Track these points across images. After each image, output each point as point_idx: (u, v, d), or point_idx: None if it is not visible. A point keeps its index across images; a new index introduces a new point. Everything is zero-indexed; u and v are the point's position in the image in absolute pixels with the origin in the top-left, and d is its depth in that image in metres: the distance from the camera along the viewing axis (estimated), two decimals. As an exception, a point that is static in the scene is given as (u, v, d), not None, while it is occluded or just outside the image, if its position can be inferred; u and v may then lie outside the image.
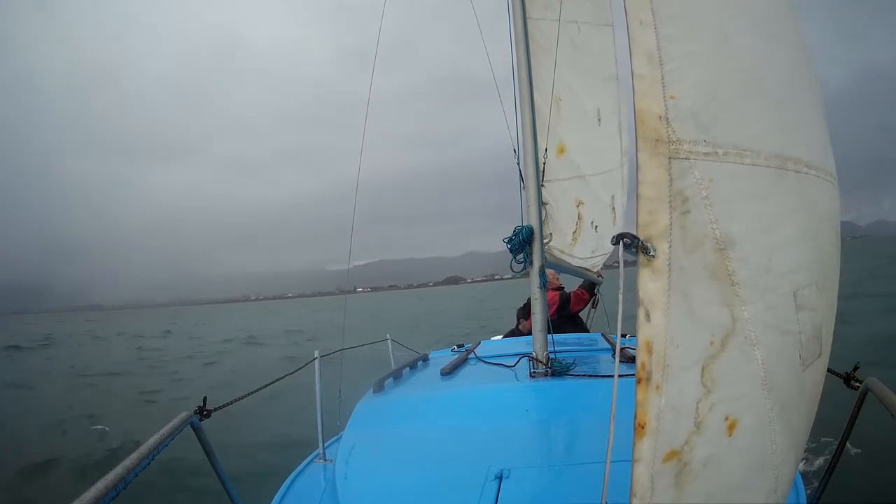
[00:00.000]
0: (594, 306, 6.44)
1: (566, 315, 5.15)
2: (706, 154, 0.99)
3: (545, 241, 3.12)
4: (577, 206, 3.56)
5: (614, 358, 3.06)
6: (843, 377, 1.94)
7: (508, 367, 3.07)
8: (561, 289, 5.40)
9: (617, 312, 1.06)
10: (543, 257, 2.92)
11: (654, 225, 0.95)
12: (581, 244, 3.61)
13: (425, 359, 3.81)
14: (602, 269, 4.63)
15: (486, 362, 3.34)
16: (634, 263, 0.98)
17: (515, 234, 2.87)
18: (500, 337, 5.59)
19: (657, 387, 0.92)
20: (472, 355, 3.59)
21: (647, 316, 0.93)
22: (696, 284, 0.98)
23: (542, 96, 3.21)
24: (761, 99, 1.11)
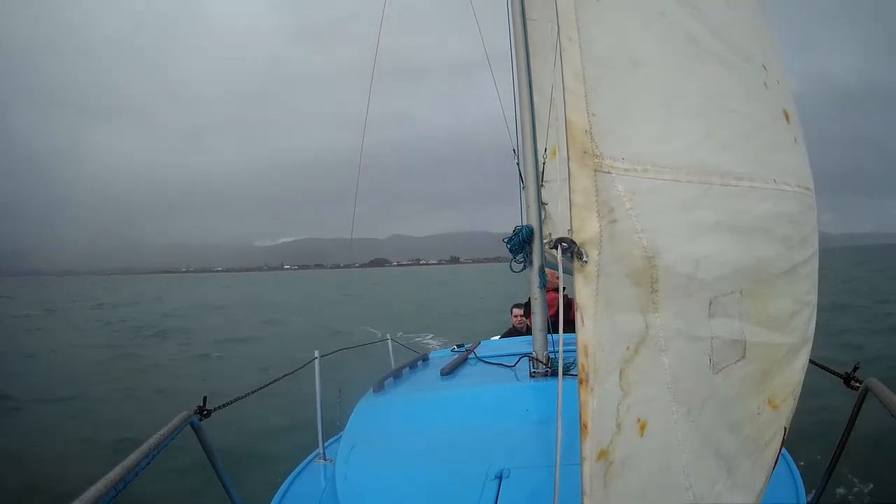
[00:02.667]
0: None
1: (567, 319, 5.13)
2: (626, 170, 1.04)
3: (545, 241, 3.12)
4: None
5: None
6: (843, 377, 1.94)
7: (508, 367, 3.07)
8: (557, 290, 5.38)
9: (559, 315, 1.12)
10: (543, 257, 2.92)
11: (584, 231, 1.00)
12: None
13: (425, 359, 3.81)
14: None
15: (485, 362, 3.34)
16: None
17: (515, 233, 2.87)
18: (498, 337, 5.59)
19: (592, 389, 0.97)
20: (472, 355, 3.59)
21: (582, 319, 0.98)
22: (618, 291, 1.02)
23: (541, 96, 3.21)
24: (680, 117, 1.15)
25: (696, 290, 1.11)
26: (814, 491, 2.08)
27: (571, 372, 2.72)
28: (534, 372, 2.76)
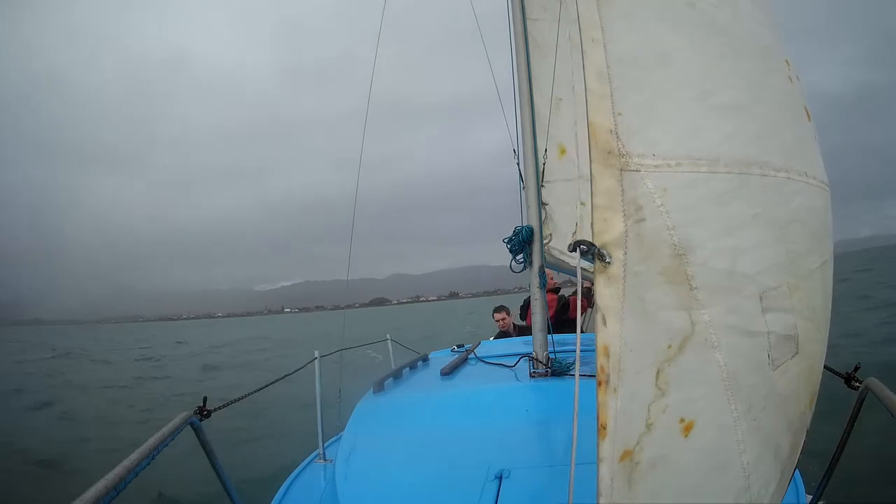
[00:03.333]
0: (592, 306, 6.41)
1: (564, 319, 5.14)
2: (657, 166, 1.02)
3: (545, 241, 3.12)
4: (578, 207, 3.56)
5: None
6: (844, 377, 1.94)
7: (508, 367, 3.07)
8: (558, 290, 5.38)
9: (577, 312, 1.11)
10: (543, 257, 2.92)
11: (608, 233, 0.99)
12: (581, 245, 3.60)
13: (425, 359, 3.81)
14: None
15: (486, 362, 3.34)
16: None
17: (515, 234, 2.87)
18: (492, 339, 5.60)
19: (614, 389, 0.95)
20: (472, 355, 3.59)
21: (604, 321, 0.97)
22: (651, 290, 1.00)
23: (541, 97, 3.21)
24: (713, 110, 1.14)
25: (741, 284, 1.09)
26: (814, 491, 2.08)
27: (570, 372, 2.73)
28: (534, 372, 2.76)
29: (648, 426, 0.98)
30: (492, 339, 5.59)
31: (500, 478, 1.74)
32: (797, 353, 1.20)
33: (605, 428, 0.95)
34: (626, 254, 0.98)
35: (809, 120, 1.38)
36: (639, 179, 1.00)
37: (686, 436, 1.01)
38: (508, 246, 2.89)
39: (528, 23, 3.06)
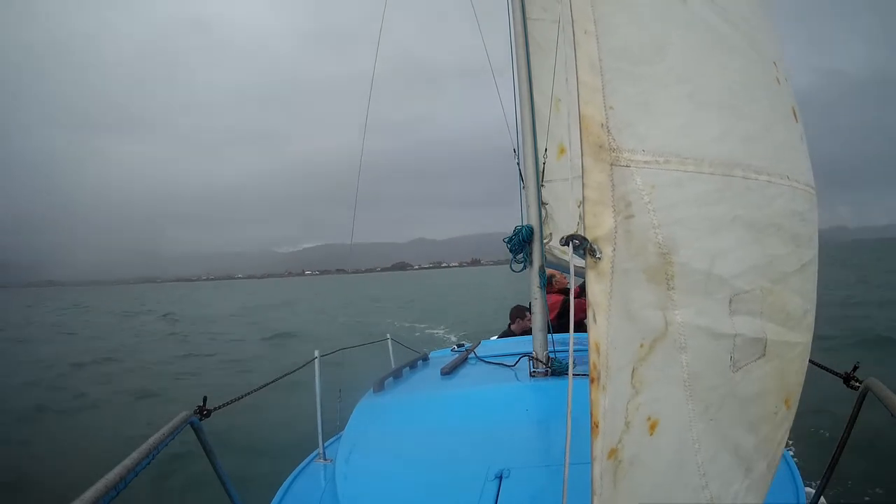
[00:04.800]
0: None
1: (567, 321, 5.09)
2: (646, 162, 1.02)
3: (545, 241, 3.12)
4: (579, 207, 3.57)
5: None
6: (843, 377, 1.94)
7: (508, 366, 3.07)
8: (566, 291, 5.36)
9: (569, 312, 1.10)
10: (543, 257, 2.92)
11: (598, 228, 0.99)
12: (581, 245, 3.61)
13: (425, 358, 3.81)
14: None
15: (486, 362, 3.34)
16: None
17: (515, 233, 2.87)
18: (495, 338, 5.58)
19: (603, 387, 0.96)
20: (472, 355, 3.59)
21: (594, 317, 0.97)
22: (635, 288, 1.00)
23: (541, 96, 3.21)
24: (703, 108, 1.14)
25: (715, 286, 1.09)
26: (814, 491, 2.09)
27: (575, 371, 2.72)
28: (534, 372, 2.76)
29: (627, 424, 0.99)
30: (492, 338, 5.59)
31: (500, 478, 1.74)
32: (763, 355, 1.21)
33: (597, 426, 0.96)
34: (614, 250, 0.98)
35: (797, 122, 1.38)
36: (628, 175, 1.00)
37: (652, 434, 1.02)
38: (508, 246, 2.88)
39: (529, 23, 3.06)
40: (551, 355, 2.82)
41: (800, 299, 1.31)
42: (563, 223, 3.45)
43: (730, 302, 1.12)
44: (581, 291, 5.44)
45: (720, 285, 1.10)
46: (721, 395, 1.12)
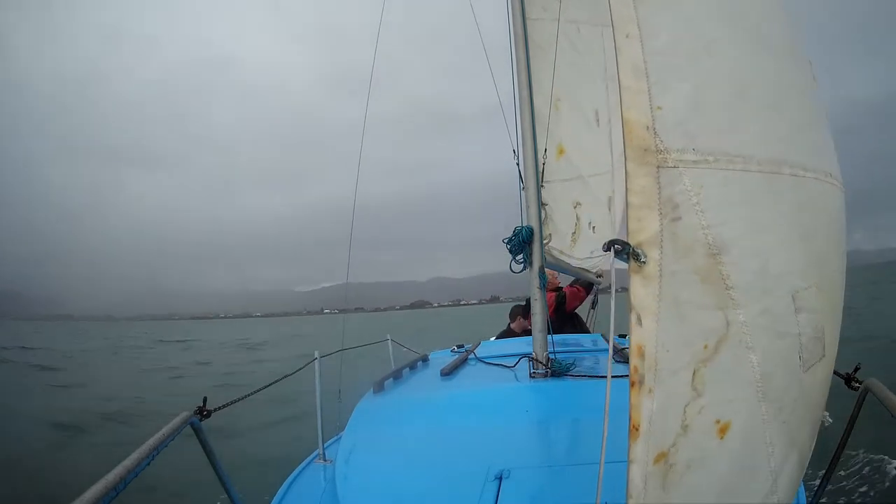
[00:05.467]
0: (594, 307, 6.40)
1: (563, 314, 5.12)
2: (695, 162, 1.00)
3: (545, 241, 3.12)
4: (575, 208, 3.57)
5: (614, 358, 3.06)
6: (844, 378, 1.94)
7: (508, 367, 3.07)
8: (558, 289, 5.38)
9: (610, 316, 1.06)
10: (543, 258, 2.92)
11: (643, 232, 0.97)
12: (580, 245, 3.61)
13: (425, 359, 3.81)
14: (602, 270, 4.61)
15: (485, 363, 3.34)
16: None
17: (515, 234, 2.87)
18: (494, 338, 5.58)
19: (649, 390, 0.94)
20: (471, 356, 3.59)
21: (639, 321, 0.95)
22: (687, 289, 0.99)
23: (541, 97, 3.21)
24: (750, 105, 1.12)
25: (773, 284, 1.08)
26: (814, 491, 2.09)
27: (570, 373, 2.73)
28: (534, 372, 2.76)
29: (684, 427, 0.96)
30: (492, 339, 5.59)
31: (500, 478, 1.74)
32: (824, 355, 1.19)
33: (637, 429, 0.93)
34: (661, 253, 0.97)
35: (827, 124, 1.38)
36: (676, 176, 0.98)
37: (722, 437, 0.99)
38: (508, 246, 2.88)
39: (528, 23, 3.06)
40: (551, 356, 2.82)
41: (840, 299, 1.31)
42: (562, 224, 3.45)
43: (792, 299, 1.10)
44: (581, 288, 5.36)
45: (778, 283, 1.09)
46: (793, 397, 1.10)
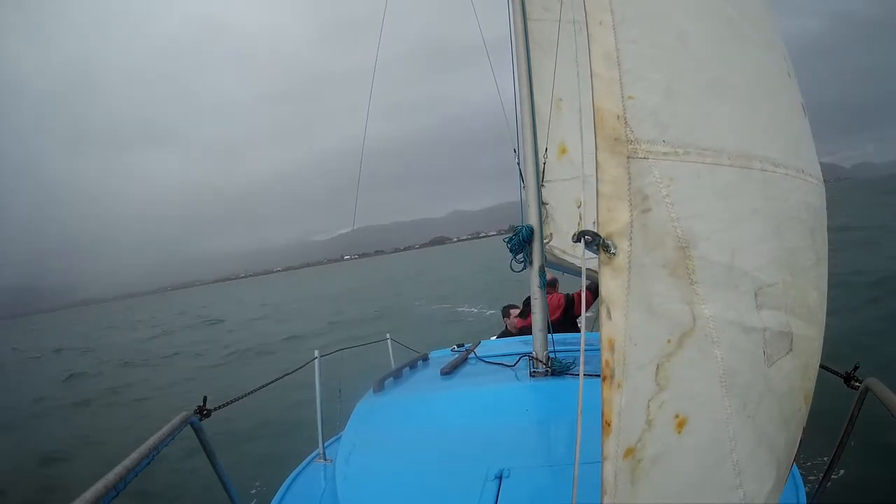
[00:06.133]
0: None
1: (570, 317, 5.11)
2: (665, 154, 0.99)
3: (545, 240, 3.12)
4: (578, 207, 3.57)
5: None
6: (844, 377, 1.94)
7: (508, 366, 3.07)
8: (552, 284, 5.36)
9: (582, 310, 1.07)
10: (544, 257, 2.92)
11: (613, 222, 0.96)
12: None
13: (425, 358, 3.81)
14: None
15: (486, 362, 3.34)
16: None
17: (515, 233, 2.87)
18: (495, 338, 5.58)
19: (619, 385, 0.93)
20: (472, 355, 3.59)
21: (609, 314, 0.94)
22: (655, 282, 0.98)
23: (542, 96, 3.21)
24: (724, 99, 1.12)
25: (739, 279, 1.07)
26: (814, 491, 2.09)
27: (571, 372, 2.73)
28: (534, 372, 2.76)
29: (649, 422, 0.96)
30: (492, 338, 5.58)
31: (500, 478, 1.74)
32: (791, 350, 1.19)
33: (609, 425, 0.93)
34: (631, 245, 0.96)
35: (805, 116, 1.37)
36: (646, 168, 0.97)
37: (679, 432, 0.99)
38: (508, 245, 2.88)
39: (529, 23, 3.05)
40: (551, 355, 2.82)
41: (816, 294, 1.30)
42: (563, 223, 3.44)
43: (755, 295, 1.10)
44: (590, 293, 5.34)
45: (744, 278, 1.08)
46: (759, 392, 1.10)
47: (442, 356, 3.92)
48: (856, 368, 1.93)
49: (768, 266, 1.13)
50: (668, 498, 0.99)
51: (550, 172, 3.20)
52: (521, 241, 2.85)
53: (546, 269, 2.94)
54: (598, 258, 0.97)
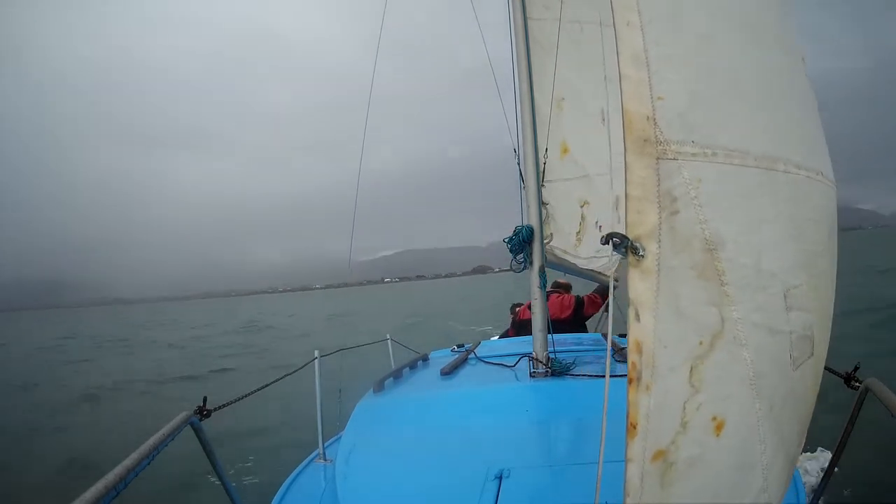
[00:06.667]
0: (605, 309, 6.43)
1: (580, 318, 5.11)
2: (694, 154, 0.99)
3: (545, 241, 3.11)
4: (582, 206, 3.56)
5: (614, 358, 3.06)
6: (844, 377, 1.94)
7: (508, 367, 3.07)
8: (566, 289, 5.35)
9: (609, 312, 1.07)
10: (544, 257, 2.92)
11: (642, 225, 0.96)
12: (585, 244, 3.61)
13: (425, 359, 3.81)
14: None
15: (486, 362, 3.34)
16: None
17: (515, 233, 2.87)
18: (495, 338, 5.58)
19: (647, 387, 0.93)
20: (472, 355, 3.59)
21: (637, 316, 0.94)
22: (684, 284, 0.98)
23: (543, 96, 3.20)
24: (748, 100, 1.12)
25: (767, 282, 1.07)
26: (813, 491, 2.09)
27: (570, 372, 2.73)
28: (534, 372, 2.76)
29: (684, 425, 0.95)
30: (493, 338, 5.59)
31: (500, 478, 1.74)
32: (812, 354, 1.19)
33: (635, 427, 0.92)
34: (660, 247, 0.95)
35: (818, 117, 1.37)
36: (675, 169, 0.97)
37: (718, 435, 0.99)
38: (509, 246, 2.88)
39: (530, 22, 3.05)
40: (551, 356, 2.82)
41: (831, 297, 1.30)
42: (564, 223, 3.44)
43: (784, 297, 1.09)
44: (598, 296, 5.29)
45: (771, 280, 1.08)
46: (783, 395, 1.10)
47: (442, 356, 3.92)
48: (856, 369, 1.93)
49: (793, 268, 1.13)
50: (704, 500, 0.99)
51: (551, 172, 3.20)
52: (522, 242, 2.85)
53: (546, 269, 2.94)
54: (627, 261, 0.97)
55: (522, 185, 3.04)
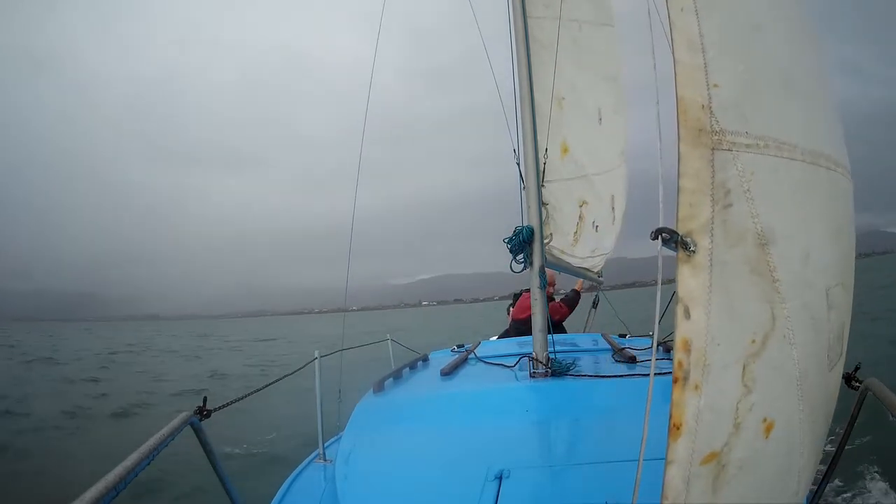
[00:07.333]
0: (594, 307, 6.40)
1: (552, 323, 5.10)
2: (748, 146, 0.95)
3: (545, 241, 3.11)
4: (581, 206, 3.55)
5: (614, 358, 3.06)
6: (844, 377, 1.93)
7: (508, 367, 3.07)
8: (551, 298, 5.36)
9: (655, 310, 0.98)
10: (544, 257, 2.92)
11: (694, 219, 0.92)
12: (582, 244, 3.61)
13: (425, 359, 3.81)
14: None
15: (485, 362, 3.34)
16: (676, 258, 0.94)
17: (515, 234, 2.86)
18: (495, 338, 5.58)
19: (696, 386, 0.88)
20: (471, 355, 3.59)
21: (687, 313, 0.89)
22: (737, 280, 0.94)
23: (543, 95, 3.20)
24: (794, 93, 1.09)
25: (813, 278, 1.04)
26: (813, 491, 2.08)
27: (570, 372, 2.72)
28: (534, 372, 2.76)
29: (737, 426, 0.92)
30: (493, 338, 5.59)
31: (500, 478, 1.73)
32: (841, 354, 1.17)
33: (678, 428, 0.88)
34: (712, 241, 0.91)
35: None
36: (729, 160, 0.93)
37: (767, 437, 0.95)
38: (509, 246, 2.88)
39: (530, 21, 3.05)
40: (551, 356, 2.82)
41: (851, 299, 1.28)
42: (563, 223, 3.44)
43: (826, 295, 1.07)
44: (565, 306, 5.30)
45: (817, 277, 1.05)
46: (820, 397, 1.07)
47: (442, 357, 3.92)
48: (857, 369, 1.92)
49: (833, 267, 1.10)
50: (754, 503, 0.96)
51: (551, 172, 3.19)
52: (522, 242, 2.85)
53: (546, 269, 2.94)
54: (676, 256, 0.93)
55: (522, 186, 3.04)
